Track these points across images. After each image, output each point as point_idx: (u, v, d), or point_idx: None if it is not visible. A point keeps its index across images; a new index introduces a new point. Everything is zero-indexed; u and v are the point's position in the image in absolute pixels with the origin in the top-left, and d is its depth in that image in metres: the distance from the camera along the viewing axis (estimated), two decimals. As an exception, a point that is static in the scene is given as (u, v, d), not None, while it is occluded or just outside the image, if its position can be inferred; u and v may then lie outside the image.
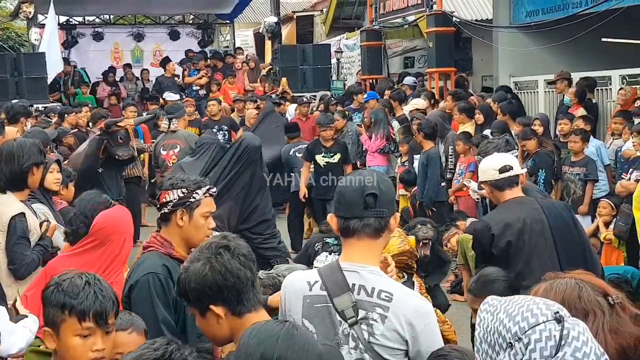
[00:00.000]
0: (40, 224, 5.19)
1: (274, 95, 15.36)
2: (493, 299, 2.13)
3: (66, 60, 18.45)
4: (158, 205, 3.55)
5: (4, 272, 4.96)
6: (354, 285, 2.75)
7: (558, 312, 1.98)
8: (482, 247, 4.76)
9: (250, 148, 7.89)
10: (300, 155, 10.64)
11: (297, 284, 2.85)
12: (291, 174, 10.77)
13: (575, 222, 4.82)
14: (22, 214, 4.98)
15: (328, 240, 4.95)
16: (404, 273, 4.43)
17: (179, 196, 3.47)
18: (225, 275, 2.52)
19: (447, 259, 6.98)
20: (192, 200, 3.47)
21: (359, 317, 2.71)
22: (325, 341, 2.51)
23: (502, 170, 4.68)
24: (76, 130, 11.36)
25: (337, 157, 10.17)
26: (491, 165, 4.77)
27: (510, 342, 1.99)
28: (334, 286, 2.76)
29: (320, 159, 10.17)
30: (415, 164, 10.50)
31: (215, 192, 3.62)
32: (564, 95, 11.12)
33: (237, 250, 2.59)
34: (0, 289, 3.97)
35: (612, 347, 2.23)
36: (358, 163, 11.81)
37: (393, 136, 11.53)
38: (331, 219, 2.87)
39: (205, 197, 3.51)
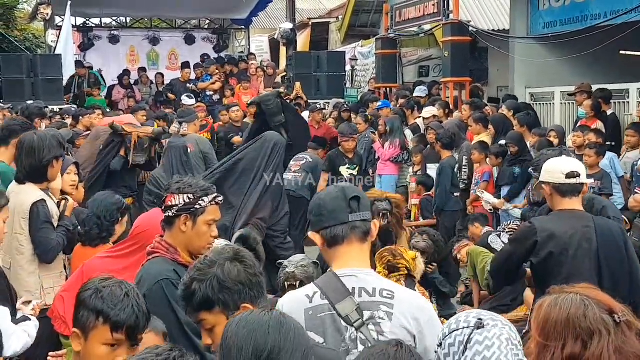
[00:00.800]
0: (58, 204, 5.19)
1: (288, 101, 15.31)
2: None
3: (79, 63, 18.49)
4: (162, 208, 3.49)
5: (26, 260, 5.00)
6: (353, 288, 2.75)
7: (480, 320, 1.99)
8: (522, 250, 4.49)
9: (279, 146, 7.96)
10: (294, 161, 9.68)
11: (295, 300, 2.83)
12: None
13: (627, 245, 4.53)
14: (43, 200, 5.02)
15: None
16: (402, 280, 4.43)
17: (184, 201, 3.42)
18: (254, 270, 2.59)
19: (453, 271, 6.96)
20: (198, 207, 3.43)
21: (365, 319, 2.69)
22: (329, 347, 2.47)
23: (570, 175, 4.41)
24: (89, 132, 11.35)
25: (357, 169, 9.84)
26: (559, 168, 4.49)
27: (435, 349, 2.11)
28: (334, 293, 2.75)
29: (345, 171, 9.71)
30: (429, 173, 10.46)
31: (222, 200, 3.56)
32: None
33: (247, 260, 2.65)
34: (9, 288, 3.92)
35: None
36: (370, 171, 11.71)
37: (408, 146, 11.46)
38: (314, 237, 2.86)
39: (211, 204, 3.47)
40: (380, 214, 6.53)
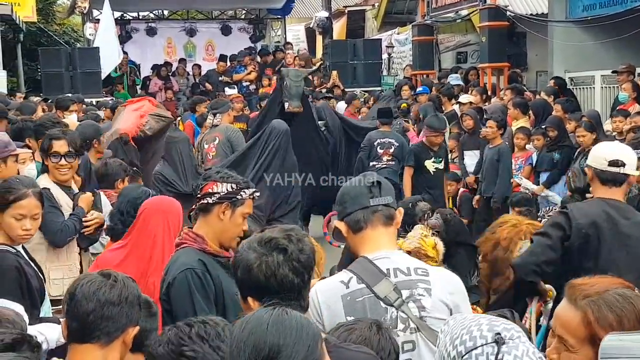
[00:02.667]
0: (74, 196, 5.23)
1: (324, 90, 15.29)
2: (453, 318, 2.05)
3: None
4: (200, 195, 3.48)
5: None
6: (388, 269, 2.78)
7: (499, 334, 1.87)
8: (558, 235, 4.21)
9: (276, 133, 7.82)
10: (381, 149, 9.73)
11: (331, 287, 2.82)
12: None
13: None
14: (47, 188, 4.93)
15: None
16: None
17: (227, 190, 3.42)
18: (270, 278, 2.44)
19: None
20: (239, 197, 3.44)
21: (404, 297, 2.72)
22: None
23: (613, 163, 4.18)
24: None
25: (443, 163, 9.38)
26: (603, 153, 4.28)
27: None
28: (370, 276, 2.76)
29: (430, 165, 9.24)
30: (466, 160, 10.30)
31: (259, 195, 3.62)
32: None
33: (294, 255, 2.47)
34: (28, 286, 3.84)
35: None
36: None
37: None
38: (340, 225, 2.90)
39: (250, 198, 3.48)
40: (425, 215, 6.37)
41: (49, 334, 3.36)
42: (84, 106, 11.86)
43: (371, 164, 9.62)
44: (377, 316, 2.68)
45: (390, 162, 9.63)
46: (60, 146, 5.23)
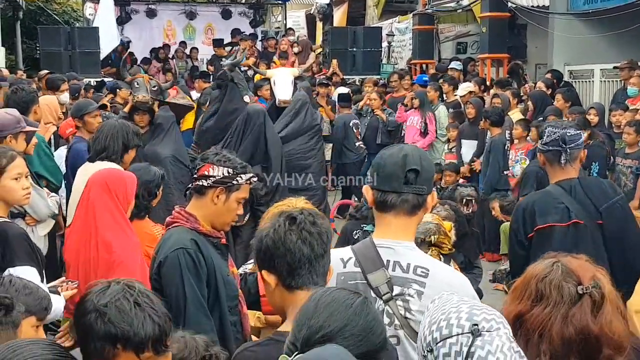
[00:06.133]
0: None
1: (322, 77, 15.25)
2: (439, 297, 2.04)
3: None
4: (196, 176, 3.46)
5: None
6: (388, 261, 2.71)
7: (476, 325, 1.84)
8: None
9: (250, 115, 7.82)
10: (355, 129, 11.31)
11: (332, 261, 2.79)
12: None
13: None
14: None
15: (367, 228, 4.86)
16: (441, 255, 4.31)
17: (223, 174, 3.40)
18: (278, 244, 2.43)
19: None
20: (235, 182, 3.42)
21: (394, 293, 2.66)
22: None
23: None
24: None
25: None
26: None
27: (424, 353, 1.92)
28: (368, 263, 2.72)
29: None
30: (463, 150, 10.32)
31: (255, 181, 3.58)
32: (624, 85, 10.78)
33: (303, 225, 2.45)
34: (34, 250, 3.89)
35: (557, 336, 2.17)
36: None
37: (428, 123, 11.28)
38: (366, 191, 2.82)
39: (246, 183, 3.46)
40: (464, 200, 6.41)
41: (56, 303, 3.40)
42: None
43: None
44: None
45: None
46: None
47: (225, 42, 19.02)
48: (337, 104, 12.75)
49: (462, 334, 1.84)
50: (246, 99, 9.52)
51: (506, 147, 9.56)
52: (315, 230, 2.47)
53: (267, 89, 10.72)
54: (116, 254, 4.06)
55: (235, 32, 20.28)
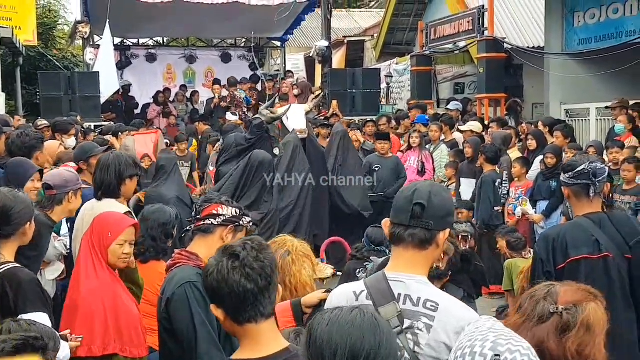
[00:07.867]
0: None
1: (322, 118, 15.35)
2: (474, 323, 2.12)
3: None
4: (201, 216, 3.52)
5: None
6: (399, 295, 2.74)
7: (498, 356, 1.89)
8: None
9: (255, 162, 8.07)
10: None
11: (344, 295, 2.87)
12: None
13: None
14: (129, 212, 5.06)
15: (369, 266, 4.89)
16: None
17: (232, 214, 3.51)
18: (221, 283, 2.48)
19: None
20: (242, 222, 3.55)
21: (404, 327, 2.69)
22: None
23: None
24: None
25: None
26: None
27: None
28: (380, 296, 2.76)
29: None
30: (462, 188, 10.39)
31: (254, 227, 3.72)
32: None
33: (246, 261, 2.50)
34: (45, 295, 3.93)
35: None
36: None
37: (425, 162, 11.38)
38: (385, 224, 2.89)
39: (248, 225, 3.58)
40: (460, 237, 6.46)
41: (63, 349, 3.43)
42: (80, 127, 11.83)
43: None
44: None
45: None
46: None
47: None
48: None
49: None
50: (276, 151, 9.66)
51: (498, 184, 9.67)
52: (257, 265, 2.51)
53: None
54: (81, 297, 4.05)
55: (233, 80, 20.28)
